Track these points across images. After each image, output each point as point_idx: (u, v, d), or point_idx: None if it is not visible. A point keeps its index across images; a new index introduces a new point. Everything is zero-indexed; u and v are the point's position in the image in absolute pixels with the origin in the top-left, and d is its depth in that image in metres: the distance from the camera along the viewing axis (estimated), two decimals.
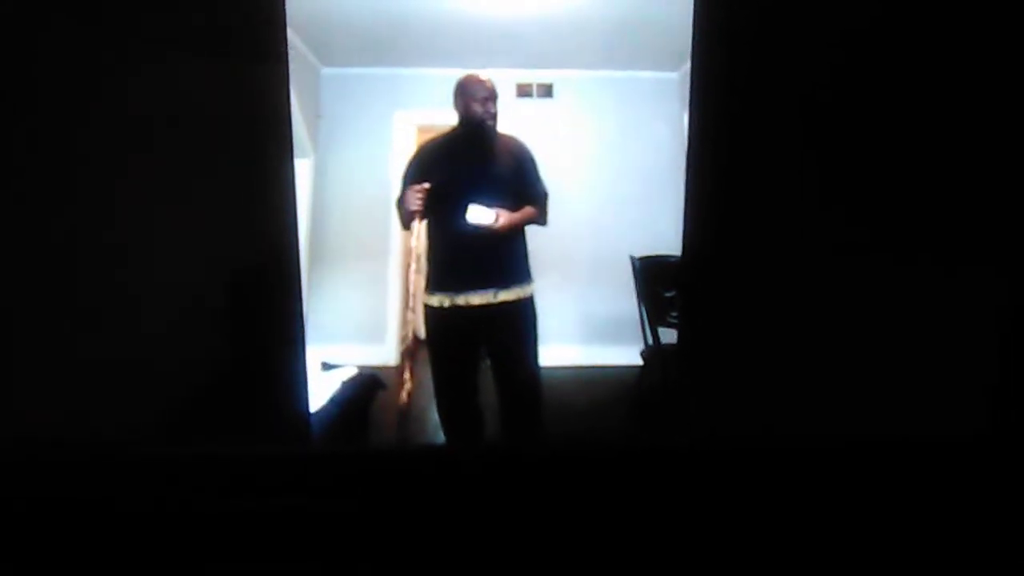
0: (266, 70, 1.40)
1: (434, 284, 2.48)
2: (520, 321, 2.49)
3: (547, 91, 3.76)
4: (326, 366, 2.79)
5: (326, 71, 3.89)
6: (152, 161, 1.35)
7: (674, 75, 3.79)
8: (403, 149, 3.89)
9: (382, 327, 3.86)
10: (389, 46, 3.60)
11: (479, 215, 2.38)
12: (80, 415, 1.35)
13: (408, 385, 2.40)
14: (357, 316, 3.81)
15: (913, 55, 1.41)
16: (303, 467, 1.39)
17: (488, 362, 2.54)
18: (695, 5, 1.44)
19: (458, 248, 2.44)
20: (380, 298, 3.86)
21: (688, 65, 1.49)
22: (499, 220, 2.40)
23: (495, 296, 2.42)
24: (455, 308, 2.43)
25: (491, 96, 2.45)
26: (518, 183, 2.50)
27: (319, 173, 3.81)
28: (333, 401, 2.45)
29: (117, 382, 1.37)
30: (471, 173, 2.45)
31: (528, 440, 2.45)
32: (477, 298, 2.42)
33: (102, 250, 1.35)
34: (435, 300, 2.46)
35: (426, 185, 2.40)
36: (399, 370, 3.68)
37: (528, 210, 2.50)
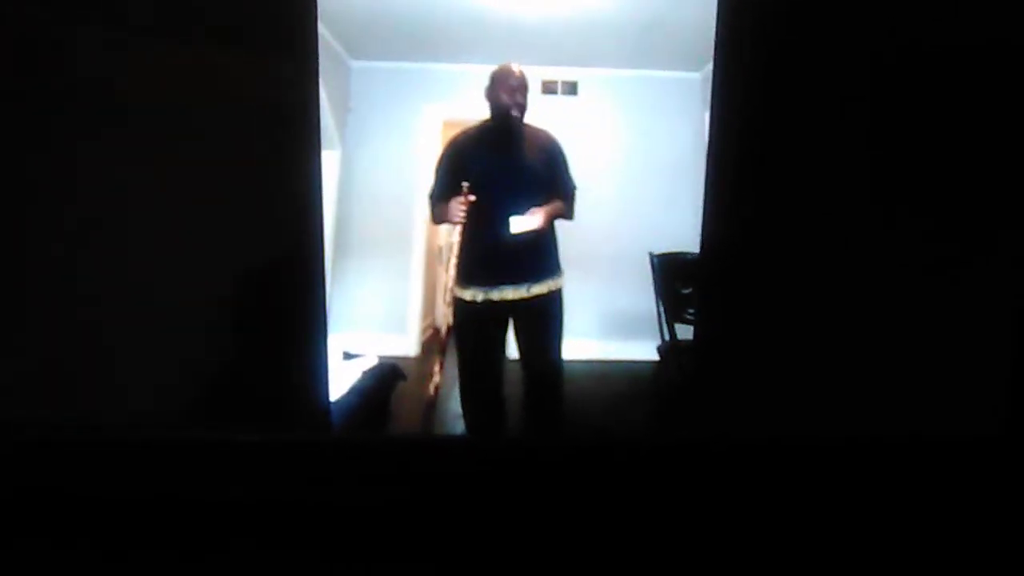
0: (296, 62, 1.41)
1: (467, 278, 2.47)
2: (550, 313, 2.50)
3: (572, 88, 3.75)
4: (347, 355, 2.79)
5: (356, 64, 3.89)
6: (179, 150, 1.36)
7: (696, 75, 3.76)
8: (430, 143, 3.91)
9: (404, 318, 3.87)
10: (418, 41, 3.60)
11: (522, 223, 2.40)
12: (101, 403, 1.37)
13: (436, 379, 2.41)
14: (379, 307, 3.81)
15: (942, 57, 1.39)
16: (325, 454, 1.40)
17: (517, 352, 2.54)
18: (718, 8, 1.43)
19: (492, 244, 2.44)
20: (403, 289, 3.86)
21: (710, 66, 1.48)
22: (539, 221, 2.41)
23: (528, 290, 2.44)
24: (488, 302, 2.43)
25: (520, 87, 2.45)
26: (550, 177, 2.50)
27: (346, 165, 3.82)
28: (354, 390, 2.45)
29: (138, 369, 1.38)
30: (505, 167, 2.46)
31: (551, 430, 2.48)
32: (511, 292, 2.43)
33: (126, 239, 1.36)
34: (468, 294, 2.46)
35: (472, 198, 2.40)
36: (428, 363, 3.72)
37: (558, 204, 2.50)
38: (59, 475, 1.30)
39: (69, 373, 1.36)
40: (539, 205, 2.46)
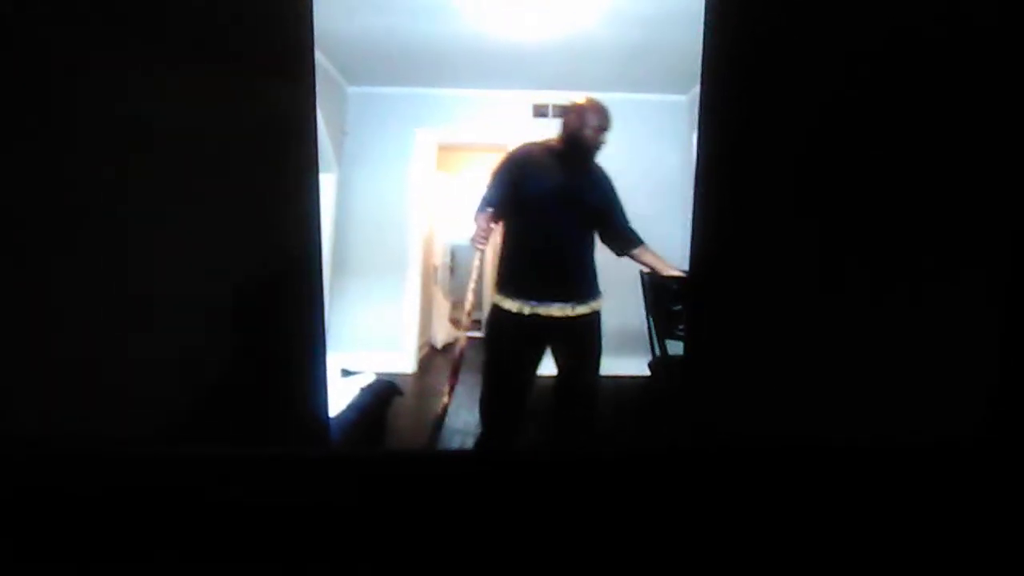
0: (294, 88, 1.42)
1: (513, 290, 2.46)
2: (591, 334, 2.50)
3: (563, 112, 3.79)
4: (345, 372, 2.80)
5: (351, 89, 3.92)
6: (182, 173, 1.37)
7: (683, 98, 3.80)
8: (425, 165, 3.94)
9: (401, 336, 3.88)
10: (412, 66, 3.63)
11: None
12: (101, 416, 1.37)
13: (446, 400, 2.43)
14: (376, 325, 3.83)
15: (916, 76, 1.41)
16: (323, 469, 1.40)
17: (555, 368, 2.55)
18: (704, 31, 1.45)
19: (543, 260, 2.45)
20: (398, 308, 3.88)
21: (697, 88, 1.50)
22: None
23: (573, 309, 2.44)
24: (534, 316, 2.42)
25: (606, 127, 2.47)
26: (603, 208, 2.53)
27: (343, 187, 3.84)
28: (352, 407, 2.45)
29: (138, 384, 1.38)
30: (566, 190, 2.45)
31: (581, 444, 2.46)
32: (557, 310, 2.42)
33: (126, 257, 1.37)
34: (513, 305, 2.44)
35: (494, 226, 2.44)
36: (424, 379, 3.74)
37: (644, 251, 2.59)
38: (63, 484, 1.30)
39: (71, 387, 1.36)
40: (588, 229, 2.50)
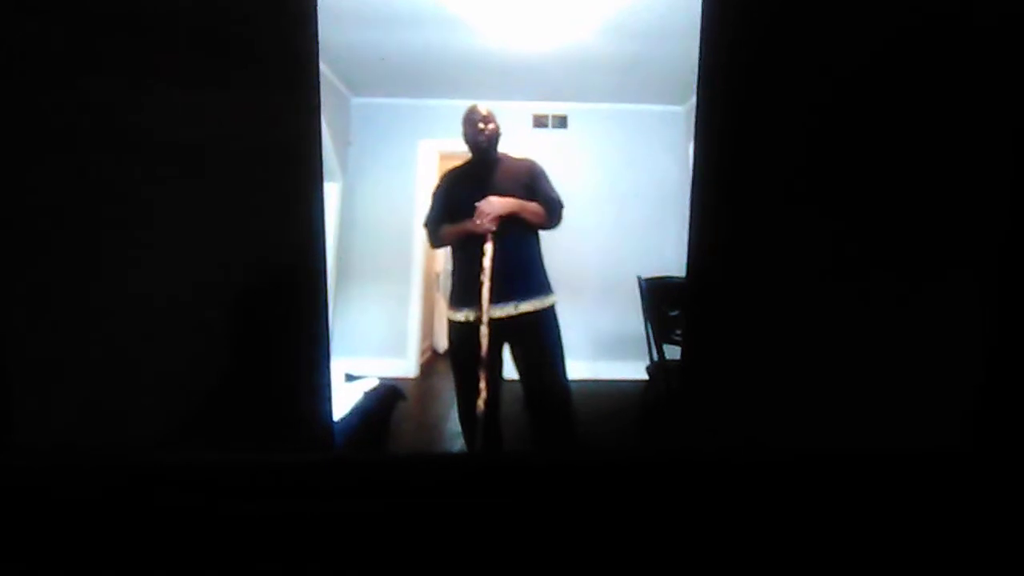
0: (299, 99, 1.42)
1: (458, 301, 2.51)
2: (541, 331, 2.50)
3: (562, 122, 3.78)
4: (349, 377, 2.79)
5: (356, 101, 3.92)
6: (188, 182, 1.37)
7: (680, 108, 3.80)
8: (427, 174, 3.93)
9: (404, 341, 3.87)
10: (416, 78, 3.63)
11: (493, 205, 2.46)
12: (108, 422, 1.36)
13: (483, 394, 2.45)
14: (380, 331, 3.82)
15: (909, 86, 1.41)
16: (328, 473, 1.40)
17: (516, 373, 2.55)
18: (700, 44, 1.45)
19: (478, 267, 2.46)
20: (402, 314, 3.86)
21: (693, 99, 1.50)
22: (508, 204, 2.47)
23: (515, 308, 2.45)
24: (480, 321, 2.44)
25: (485, 119, 2.54)
26: (531, 199, 2.53)
27: (347, 196, 3.83)
28: (355, 411, 2.44)
29: (147, 390, 1.38)
30: (487, 192, 2.49)
31: (552, 447, 2.46)
32: (499, 311, 2.43)
33: (135, 266, 1.37)
34: (460, 316, 2.49)
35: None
36: (427, 383, 3.74)
37: (535, 204, 2.52)
38: (65, 493, 1.30)
39: (74, 393, 1.36)
40: (520, 230, 2.49)
